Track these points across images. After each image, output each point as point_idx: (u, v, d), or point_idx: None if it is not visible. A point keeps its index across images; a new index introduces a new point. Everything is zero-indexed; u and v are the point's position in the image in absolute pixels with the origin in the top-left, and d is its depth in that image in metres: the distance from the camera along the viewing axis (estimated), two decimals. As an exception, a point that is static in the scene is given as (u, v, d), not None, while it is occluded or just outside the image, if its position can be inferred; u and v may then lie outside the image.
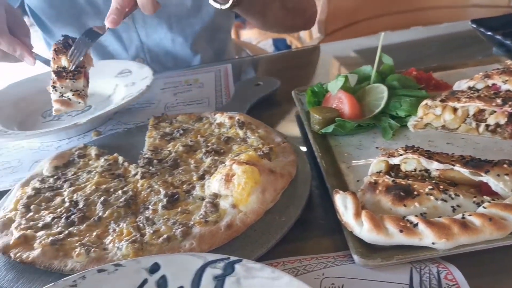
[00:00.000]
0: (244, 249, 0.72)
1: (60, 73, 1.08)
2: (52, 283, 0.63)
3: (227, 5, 1.30)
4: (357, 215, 0.68)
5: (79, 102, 1.06)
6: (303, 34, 4.23)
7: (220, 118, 1.07)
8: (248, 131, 1.00)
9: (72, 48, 1.11)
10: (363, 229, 0.66)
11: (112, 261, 0.71)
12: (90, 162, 1.00)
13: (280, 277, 0.59)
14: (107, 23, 1.08)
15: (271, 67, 1.67)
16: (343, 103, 0.99)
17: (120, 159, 0.99)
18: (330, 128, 0.94)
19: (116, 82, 1.40)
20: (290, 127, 1.14)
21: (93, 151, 1.03)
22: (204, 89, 1.41)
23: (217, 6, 1.31)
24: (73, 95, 1.06)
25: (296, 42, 4.26)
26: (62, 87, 1.06)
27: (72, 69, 1.09)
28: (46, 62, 1.17)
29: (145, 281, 0.63)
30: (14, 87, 1.45)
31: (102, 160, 0.99)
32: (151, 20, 1.61)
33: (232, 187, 0.77)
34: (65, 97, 1.06)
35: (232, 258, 0.63)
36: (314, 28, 2.12)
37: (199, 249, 0.71)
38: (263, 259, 0.71)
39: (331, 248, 0.74)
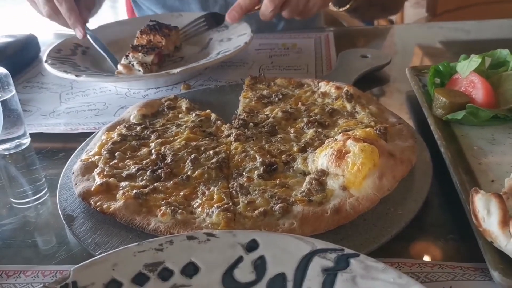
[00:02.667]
0: (352, 240, 0.61)
1: (137, 47, 1.20)
2: (137, 243, 0.55)
3: (344, 8, 1.45)
4: (505, 223, 0.55)
5: (139, 70, 1.13)
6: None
7: (325, 87, 0.96)
8: (358, 105, 0.88)
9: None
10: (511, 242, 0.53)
11: (200, 228, 0.63)
12: (180, 115, 0.93)
13: (409, 285, 0.48)
14: (227, 18, 1.20)
15: (373, 41, 1.52)
16: (476, 88, 0.84)
17: (213, 116, 0.90)
18: (459, 115, 0.80)
19: (210, 35, 1.32)
20: (397, 110, 1.01)
21: (184, 104, 0.95)
22: (302, 55, 1.29)
23: (336, 9, 1.49)
24: (137, 63, 1.14)
25: (383, 22, 4.01)
26: (133, 58, 1.16)
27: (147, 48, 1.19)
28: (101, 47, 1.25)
29: (240, 259, 0.54)
30: (106, 29, 1.39)
31: (193, 115, 0.91)
32: None
33: (344, 166, 0.66)
34: (131, 63, 1.15)
35: (347, 250, 0.52)
36: (418, 11, 1.95)
37: (300, 231, 0.61)
38: (371, 255, 0.60)
39: (455, 256, 0.61)
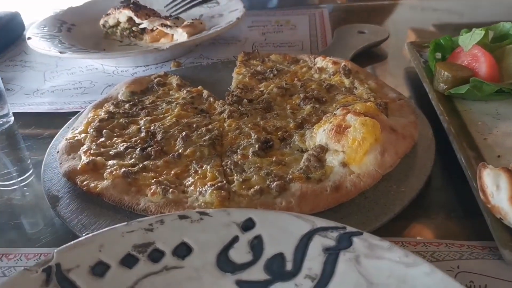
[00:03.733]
0: (353, 218, 0.58)
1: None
2: (125, 223, 0.51)
3: None
4: (515, 199, 0.52)
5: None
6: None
7: (321, 62, 0.92)
8: (356, 80, 0.84)
9: None
10: (522, 218, 0.51)
11: (192, 207, 0.59)
12: (170, 92, 0.88)
13: (417, 264, 0.45)
14: None
15: (369, 17, 1.47)
16: (480, 61, 0.81)
17: (205, 92, 0.86)
18: (463, 89, 0.77)
19: (201, 11, 1.27)
20: (397, 86, 0.97)
21: (174, 81, 0.91)
22: (296, 32, 1.25)
23: None
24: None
25: None
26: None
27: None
28: None
29: (235, 239, 0.50)
30: (92, 5, 1.34)
31: (185, 91, 0.87)
32: None
33: (344, 141, 0.63)
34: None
35: (350, 228, 0.49)
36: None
37: (298, 209, 0.58)
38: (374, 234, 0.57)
39: (461, 234, 0.59)
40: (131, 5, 1.19)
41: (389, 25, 1.40)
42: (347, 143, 0.62)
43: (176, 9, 1.19)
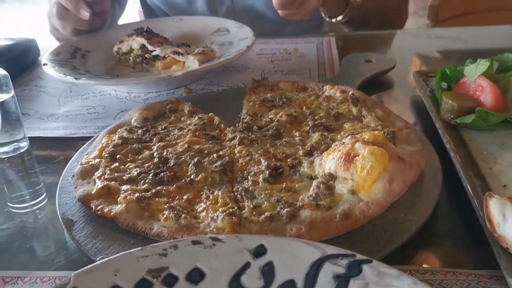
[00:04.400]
0: (361, 246, 0.59)
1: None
2: (139, 248, 0.52)
3: (339, 18, 1.44)
4: (521, 229, 0.53)
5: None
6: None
7: (329, 90, 0.94)
8: (364, 109, 0.86)
9: None
10: (529, 248, 0.52)
11: (204, 233, 0.61)
12: (182, 118, 0.91)
13: (425, 292, 0.46)
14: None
15: (376, 46, 1.50)
16: (485, 91, 0.83)
17: (216, 119, 0.88)
18: (469, 119, 0.79)
19: (212, 39, 1.30)
20: (403, 114, 0.99)
21: (186, 107, 0.93)
22: (304, 60, 1.27)
23: (328, 19, 1.48)
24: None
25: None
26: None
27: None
28: None
29: (247, 265, 0.52)
30: (106, 32, 1.37)
31: (196, 118, 0.89)
32: None
33: (353, 170, 0.64)
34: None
35: (359, 256, 0.50)
36: (416, 20, 1.94)
37: (308, 236, 0.59)
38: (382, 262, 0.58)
39: (468, 263, 0.60)
40: (144, 33, 1.22)
41: (395, 52, 1.42)
42: (356, 172, 0.64)
43: None
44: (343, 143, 0.70)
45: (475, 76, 0.85)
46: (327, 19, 1.51)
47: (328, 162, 0.68)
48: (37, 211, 0.78)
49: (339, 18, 1.44)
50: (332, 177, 0.66)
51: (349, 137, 0.71)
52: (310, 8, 1.21)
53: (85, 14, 1.23)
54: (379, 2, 1.48)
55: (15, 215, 0.76)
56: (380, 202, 0.62)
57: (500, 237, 0.55)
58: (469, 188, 0.65)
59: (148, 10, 1.72)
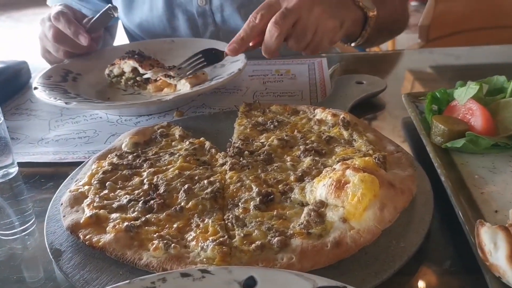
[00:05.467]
0: (353, 275, 0.59)
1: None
2: (127, 281, 0.52)
3: (354, 43, 1.41)
4: (513, 258, 0.53)
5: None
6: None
7: (321, 114, 0.94)
8: (355, 133, 0.86)
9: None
10: (521, 277, 0.51)
11: (194, 263, 0.60)
12: (173, 143, 0.90)
13: (417, 326, 0.45)
14: (227, 50, 1.11)
15: (368, 67, 1.51)
16: (475, 115, 0.83)
17: (207, 144, 0.88)
18: (459, 143, 0.79)
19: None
20: (394, 137, 0.99)
21: (177, 132, 0.93)
22: (296, 81, 1.28)
23: (346, 45, 1.47)
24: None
25: (375, 48, 4.04)
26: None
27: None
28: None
29: (237, 298, 0.51)
30: (97, 55, 1.37)
31: (187, 143, 0.89)
32: (230, 3, 1.50)
33: (344, 197, 0.64)
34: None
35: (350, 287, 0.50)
36: (409, 36, 1.96)
37: (299, 266, 0.58)
38: (374, 290, 0.58)
39: (461, 291, 0.59)
40: (135, 56, 1.22)
41: (387, 73, 1.43)
42: (346, 199, 0.64)
43: (184, 72, 1.20)
44: (334, 169, 0.70)
45: (465, 99, 0.86)
46: (345, 45, 1.49)
47: (319, 189, 0.68)
48: (26, 237, 0.77)
49: (356, 41, 1.39)
50: (323, 204, 0.66)
51: (340, 163, 0.70)
52: (324, 42, 1.17)
53: (84, 40, 1.25)
54: (389, 9, 1.43)
55: (4, 242, 0.75)
56: (372, 230, 0.62)
57: (492, 266, 0.55)
58: (460, 215, 0.65)
59: (133, 39, 1.72)
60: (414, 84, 1.34)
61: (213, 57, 1.16)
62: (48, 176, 0.92)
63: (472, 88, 0.85)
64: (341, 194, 0.64)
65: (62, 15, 1.26)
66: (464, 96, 0.86)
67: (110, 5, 1.31)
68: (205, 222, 0.67)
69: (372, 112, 1.12)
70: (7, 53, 5.40)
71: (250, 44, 1.12)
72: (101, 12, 1.31)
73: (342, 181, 0.65)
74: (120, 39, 1.80)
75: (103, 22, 1.34)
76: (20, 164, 0.95)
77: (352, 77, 1.19)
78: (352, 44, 1.44)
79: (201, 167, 0.81)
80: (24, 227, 0.79)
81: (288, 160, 0.81)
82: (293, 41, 1.12)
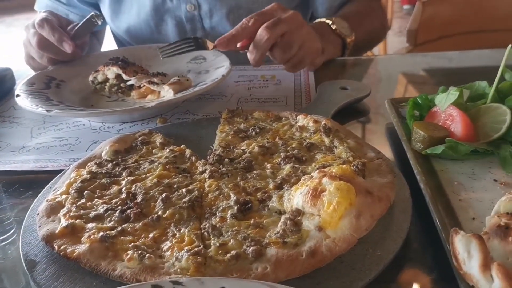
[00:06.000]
0: (328, 284, 0.58)
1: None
2: (97, 294, 0.51)
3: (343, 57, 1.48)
4: (486, 266, 0.52)
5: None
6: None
7: (302, 120, 0.94)
8: (336, 139, 0.86)
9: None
10: (494, 286, 0.51)
11: (168, 273, 0.59)
12: (153, 151, 0.90)
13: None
14: (217, 42, 1.13)
15: (355, 72, 1.51)
16: (455, 121, 0.83)
17: (187, 152, 0.87)
18: (438, 149, 0.79)
19: (189, 67, 1.30)
20: (377, 143, 0.98)
21: (158, 139, 0.92)
22: (281, 87, 1.28)
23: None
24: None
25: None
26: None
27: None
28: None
29: (208, 310, 0.50)
30: (81, 62, 1.36)
31: (167, 150, 0.88)
32: (218, 9, 1.51)
33: (320, 205, 0.64)
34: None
35: (321, 299, 0.49)
36: (400, 39, 1.96)
37: (273, 275, 0.58)
38: (349, 300, 0.57)
39: (438, 299, 0.59)
40: (119, 63, 1.22)
41: (373, 77, 1.43)
42: (322, 207, 0.63)
43: (171, 52, 1.19)
44: (312, 177, 0.69)
45: (445, 106, 0.86)
46: None
47: (296, 197, 0.67)
48: (7, 246, 0.76)
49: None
50: (299, 213, 0.65)
51: (317, 171, 0.70)
52: (307, 58, 1.23)
53: (68, 47, 1.25)
54: (366, 29, 1.52)
55: (-17, 251, 0.75)
56: (347, 238, 0.61)
57: (466, 275, 0.54)
58: (437, 222, 0.65)
59: (121, 45, 1.72)
60: (405, 88, 1.34)
61: (201, 45, 1.19)
62: (27, 184, 0.91)
63: (452, 94, 0.85)
64: (317, 203, 0.64)
65: (47, 22, 1.25)
66: (445, 102, 0.86)
67: (93, 12, 1.31)
68: (181, 231, 0.66)
69: (357, 118, 1.11)
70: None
71: (238, 45, 1.14)
72: (84, 19, 1.31)
73: (319, 189, 0.65)
74: (108, 44, 1.79)
75: (87, 29, 1.33)
76: (0, 173, 0.94)
77: (336, 83, 1.19)
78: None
79: (180, 175, 0.80)
80: (4, 236, 0.78)
81: (268, 167, 0.81)
82: (279, 50, 1.15)
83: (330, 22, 1.40)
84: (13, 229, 0.79)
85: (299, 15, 1.17)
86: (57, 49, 1.26)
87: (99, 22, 1.29)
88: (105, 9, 1.59)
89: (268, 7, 1.17)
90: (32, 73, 1.32)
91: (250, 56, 1.14)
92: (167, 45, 1.20)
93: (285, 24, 1.12)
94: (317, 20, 1.45)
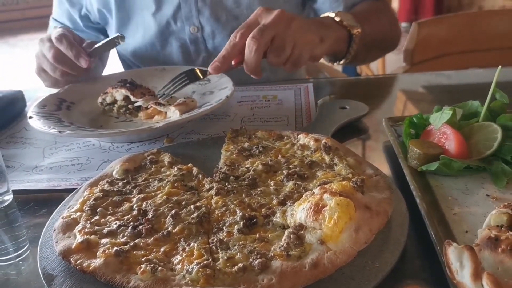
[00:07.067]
0: (330, 294, 0.62)
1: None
2: (115, 304, 0.55)
3: (342, 61, 1.46)
4: (477, 276, 0.56)
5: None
6: (374, 63, 4.07)
7: (304, 139, 0.98)
8: (336, 157, 0.90)
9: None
10: (484, 294, 0.55)
11: (179, 285, 0.63)
12: (162, 169, 0.94)
13: None
14: (210, 69, 1.16)
15: (354, 92, 1.56)
16: (449, 139, 0.87)
17: (195, 170, 0.92)
18: (433, 166, 0.83)
19: (193, 88, 1.35)
20: (376, 160, 1.03)
21: (166, 158, 0.97)
22: (282, 107, 1.32)
23: (332, 64, 1.53)
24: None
25: (366, 70, 4.11)
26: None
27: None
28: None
29: (218, 318, 0.54)
30: (91, 84, 1.41)
31: (175, 169, 0.92)
32: (221, 30, 1.57)
33: (321, 220, 0.68)
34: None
35: (324, 306, 0.53)
36: (400, 57, 2.02)
37: (278, 286, 0.62)
38: (350, 309, 0.61)
39: (433, 308, 0.62)
40: (127, 85, 1.27)
41: (372, 97, 1.48)
42: (324, 222, 0.67)
43: (168, 92, 1.26)
44: (313, 193, 0.73)
45: (439, 124, 0.90)
46: (331, 64, 1.54)
47: (299, 212, 0.71)
48: (20, 262, 0.80)
49: (344, 58, 1.43)
50: (302, 227, 0.69)
51: (319, 187, 0.74)
52: (303, 58, 1.20)
53: (84, 63, 1.30)
54: (373, 24, 1.47)
55: (-1, 267, 0.78)
56: (348, 251, 0.65)
57: (459, 284, 0.58)
58: (433, 235, 0.69)
59: (127, 65, 1.77)
60: (404, 107, 1.39)
61: (195, 76, 1.26)
62: (42, 202, 0.96)
63: (446, 113, 0.90)
64: (319, 217, 0.68)
65: (65, 37, 1.31)
66: (439, 121, 0.90)
67: (118, 34, 1.36)
68: (190, 245, 0.70)
69: (356, 136, 1.16)
70: (3, 78, 5.46)
71: (232, 63, 1.17)
72: (109, 38, 1.38)
73: (320, 205, 0.69)
74: (113, 65, 1.85)
75: (107, 48, 1.40)
76: (15, 192, 0.98)
77: (336, 102, 1.24)
78: (341, 62, 1.47)
79: (188, 193, 0.85)
80: (18, 253, 0.82)
81: (272, 184, 0.85)
82: (273, 55, 1.15)
83: (334, 15, 1.36)
84: (26, 246, 0.83)
85: (285, 12, 1.14)
86: (72, 63, 1.31)
87: (122, 43, 1.35)
88: (112, 33, 1.65)
89: (252, 15, 1.17)
90: (42, 95, 1.37)
91: (246, 70, 1.15)
92: (163, 87, 1.28)
93: (271, 28, 1.11)
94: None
